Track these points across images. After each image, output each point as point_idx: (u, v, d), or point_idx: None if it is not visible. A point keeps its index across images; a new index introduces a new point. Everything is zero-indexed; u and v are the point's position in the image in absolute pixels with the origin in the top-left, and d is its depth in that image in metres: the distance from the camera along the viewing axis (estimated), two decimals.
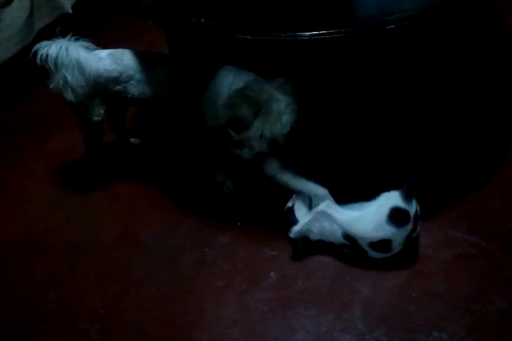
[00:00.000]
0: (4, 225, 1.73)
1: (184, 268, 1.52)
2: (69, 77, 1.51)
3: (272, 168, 1.53)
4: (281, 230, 1.54)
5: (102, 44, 1.70)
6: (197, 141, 1.64)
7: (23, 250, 1.64)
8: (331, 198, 1.51)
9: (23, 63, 2.13)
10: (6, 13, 2.08)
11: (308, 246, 1.49)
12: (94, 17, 2.55)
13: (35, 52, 1.51)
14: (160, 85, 1.55)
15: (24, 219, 1.74)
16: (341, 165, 1.72)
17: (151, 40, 2.19)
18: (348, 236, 1.42)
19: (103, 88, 1.56)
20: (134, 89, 1.56)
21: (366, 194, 1.46)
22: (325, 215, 1.44)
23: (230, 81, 1.44)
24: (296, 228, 1.47)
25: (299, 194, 1.55)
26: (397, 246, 1.39)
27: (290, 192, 1.56)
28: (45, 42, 1.52)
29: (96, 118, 1.62)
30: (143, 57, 1.56)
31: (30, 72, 2.24)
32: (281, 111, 1.39)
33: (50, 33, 2.23)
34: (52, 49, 1.50)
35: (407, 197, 1.39)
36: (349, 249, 1.45)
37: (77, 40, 1.54)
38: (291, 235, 1.48)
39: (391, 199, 1.39)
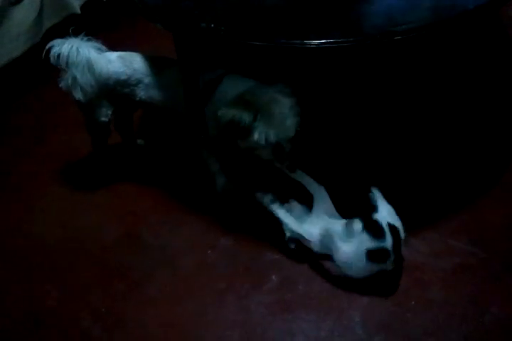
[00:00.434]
0: (6, 223, 1.74)
1: (186, 269, 1.53)
2: (78, 76, 1.52)
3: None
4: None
5: (109, 46, 1.71)
6: (198, 148, 1.65)
7: (23, 248, 1.65)
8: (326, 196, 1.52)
9: (30, 62, 2.17)
10: (16, 11, 2.09)
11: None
12: (101, 18, 2.57)
13: (48, 50, 1.52)
14: (168, 90, 1.56)
15: (26, 218, 1.75)
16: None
17: (157, 43, 2.20)
18: None
19: (111, 90, 1.58)
20: (142, 92, 1.58)
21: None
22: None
23: (232, 89, 1.45)
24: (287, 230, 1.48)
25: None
26: (389, 266, 1.39)
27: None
28: (57, 41, 1.53)
29: (103, 118, 1.64)
30: (152, 62, 1.58)
31: (37, 71, 2.28)
32: (284, 114, 1.38)
33: (58, 33, 2.27)
34: (65, 47, 1.51)
35: (376, 235, 1.35)
36: None
37: (89, 40, 1.55)
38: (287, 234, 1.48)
39: (363, 242, 1.36)
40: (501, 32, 2.23)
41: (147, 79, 1.55)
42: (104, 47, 1.59)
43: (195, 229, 1.63)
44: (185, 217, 1.67)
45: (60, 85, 1.56)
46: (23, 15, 2.12)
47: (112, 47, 1.70)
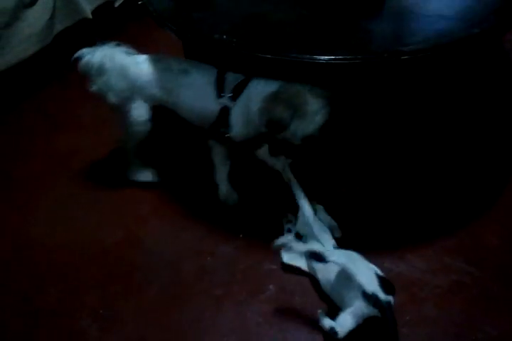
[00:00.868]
0: (8, 223, 1.75)
1: (184, 274, 1.54)
2: (112, 81, 1.58)
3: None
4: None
5: None
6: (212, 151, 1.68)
7: (24, 248, 1.66)
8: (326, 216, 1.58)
9: (38, 64, 2.19)
10: (29, 13, 2.12)
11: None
12: (112, 23, 2.61)
13: (76, 59, 1.59)
14: (192, 91, 1.60)
15: (28, 218, 1.76)
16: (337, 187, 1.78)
17: (164, 50, 2.24)
18: None
19: (141, 90, 1.62)
20: (166, 94, 1.62)
21: None
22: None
23: (261, 88, 1.51)
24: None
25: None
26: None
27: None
28: (86, 50, 1.60)
29: (141, 118, 1.66)
30: (176, 63, 1.62)
31: (43, 72, 2.31)
32: (314, 113, 1.46)
33: (68, 36, 2.31)
34: (96, 55, 1.58)
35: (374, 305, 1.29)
36: None
37: (118, 45, 1.62)
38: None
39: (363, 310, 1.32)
40: (503, 56, 2.28)
41: (171, 81, 1.60)
42: (132, 50, 1.64)
43: (196, 235, 1.65)
44: (186, 223, 1.68)
45: (91, 90, 1.61)
46: (35, 17, 2.15)
47: None
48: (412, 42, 1.42)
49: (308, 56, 1.40)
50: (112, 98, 1.61)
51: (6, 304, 1.51)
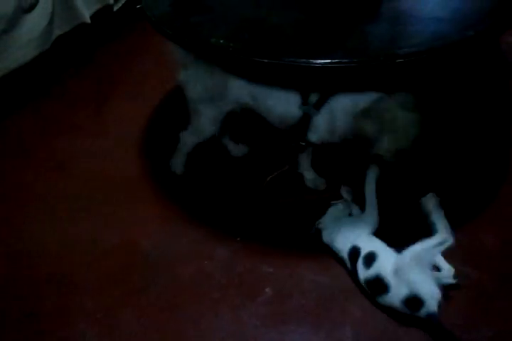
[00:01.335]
0: (6, 226, 1.76)
1: (182, 278, 1.55)
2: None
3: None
4: (279, 247, 1.59)
5: (114, 55, 1.74)
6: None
7: (23, 251, 1.67)
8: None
9: (37, 69, 2.21)
10: (28, 18, 2.14)
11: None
12: (110, 28, 2.62)
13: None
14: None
15: (26, 221, 1.77)
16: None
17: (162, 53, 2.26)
18: None
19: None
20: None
21: None
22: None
23: (348, 102, 1.51)
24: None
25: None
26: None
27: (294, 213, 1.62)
28: None
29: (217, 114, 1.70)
30: None
31: (42, 77, 2.32)
32: (407, 128, 1.46)
33: (67, 41, 2.32)
34: None
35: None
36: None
37: None
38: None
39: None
40: (500, 57, 2.29)
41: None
42: None
43: (193, 239, 1.66)
44: (184, 227, 1.69)
45: (178, 79, 1.66)
46: (34, 22, 2.16)
47: (118, 56, 1.74)
48: (406, 45, 1.43)
49: (304, 60, 1.41)
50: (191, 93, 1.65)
51: (3, 309, 1.51)
